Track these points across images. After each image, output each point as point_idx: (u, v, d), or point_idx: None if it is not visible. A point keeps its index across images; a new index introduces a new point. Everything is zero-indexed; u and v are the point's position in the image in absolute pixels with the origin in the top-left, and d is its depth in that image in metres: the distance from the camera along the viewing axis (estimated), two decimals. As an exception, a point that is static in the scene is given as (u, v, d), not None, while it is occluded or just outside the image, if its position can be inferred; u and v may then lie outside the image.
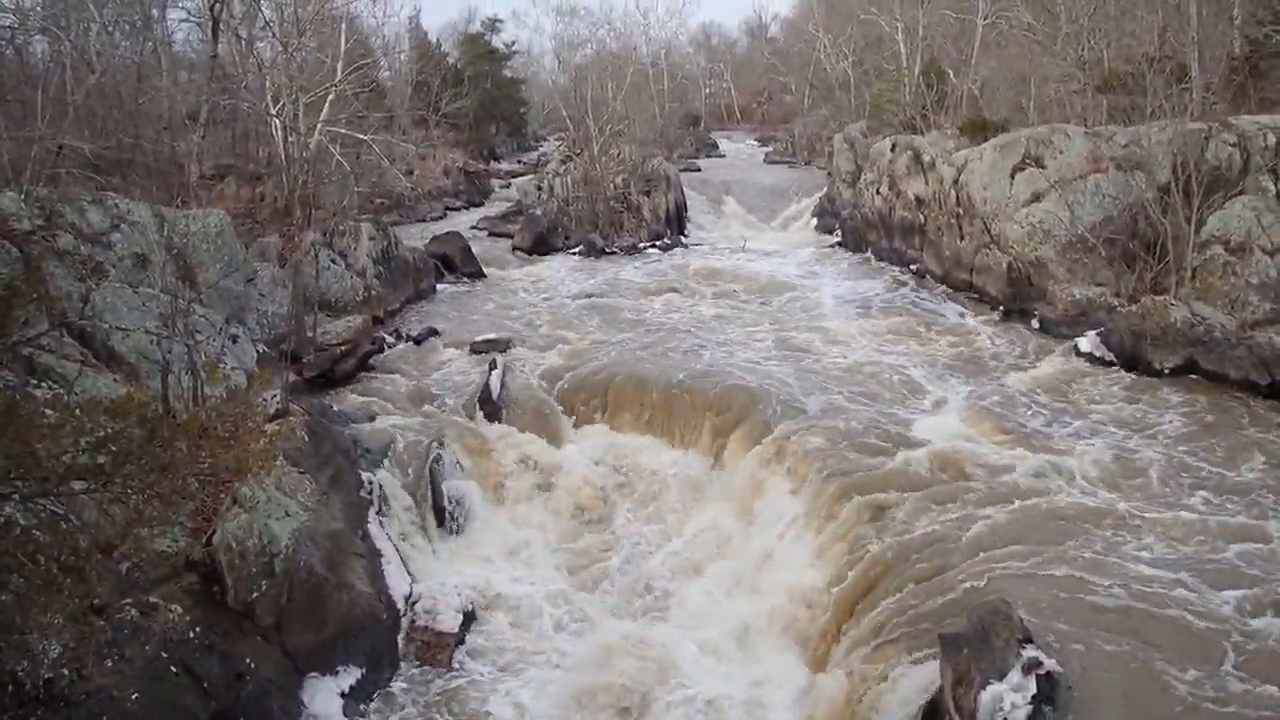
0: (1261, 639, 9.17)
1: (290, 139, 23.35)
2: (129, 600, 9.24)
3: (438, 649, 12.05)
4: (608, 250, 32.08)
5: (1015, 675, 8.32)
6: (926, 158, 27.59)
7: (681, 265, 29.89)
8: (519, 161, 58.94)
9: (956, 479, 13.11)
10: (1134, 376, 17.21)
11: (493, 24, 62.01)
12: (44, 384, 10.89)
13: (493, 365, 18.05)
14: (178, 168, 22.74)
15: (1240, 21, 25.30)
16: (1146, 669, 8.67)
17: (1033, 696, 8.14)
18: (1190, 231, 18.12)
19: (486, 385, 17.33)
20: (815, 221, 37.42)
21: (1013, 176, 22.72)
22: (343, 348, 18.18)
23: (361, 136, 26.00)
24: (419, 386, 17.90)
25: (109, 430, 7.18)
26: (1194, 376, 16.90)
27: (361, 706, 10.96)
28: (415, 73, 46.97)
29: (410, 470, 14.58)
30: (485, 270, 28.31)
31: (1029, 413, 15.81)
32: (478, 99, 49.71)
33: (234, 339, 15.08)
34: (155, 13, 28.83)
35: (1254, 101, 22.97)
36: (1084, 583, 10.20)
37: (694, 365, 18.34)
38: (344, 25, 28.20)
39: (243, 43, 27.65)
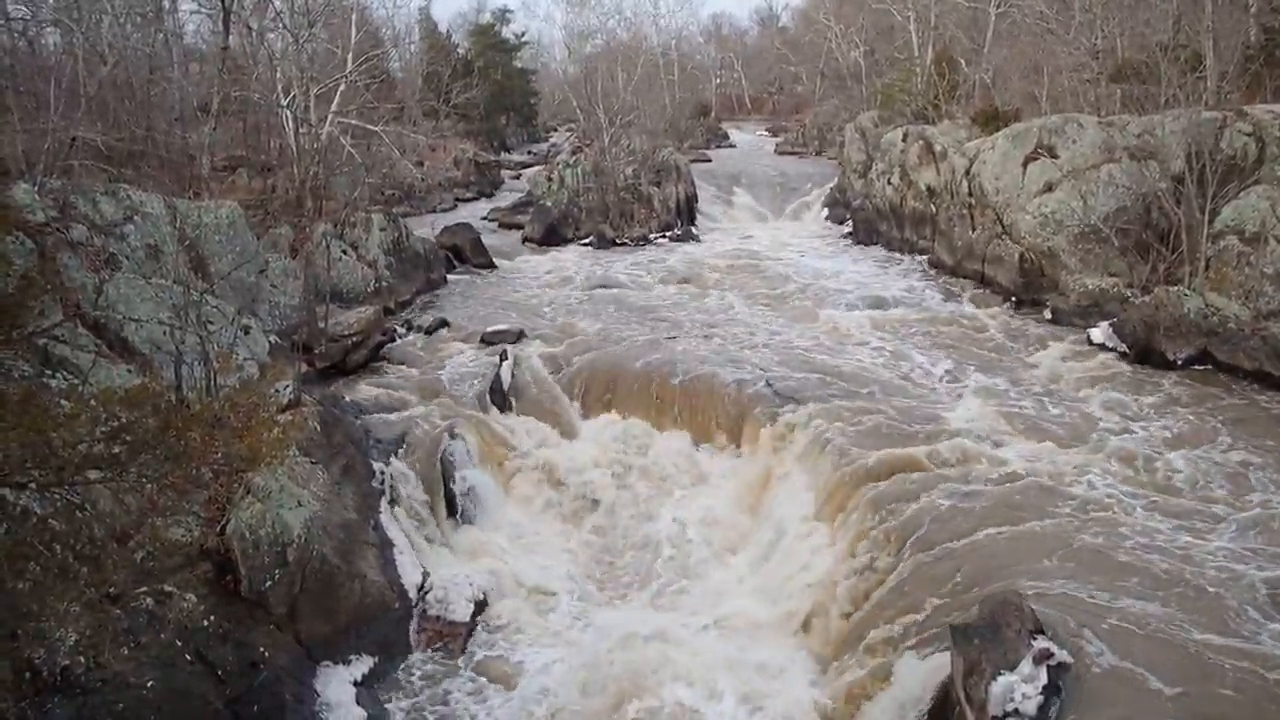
0: (1276, 629, 9.14)
1: (301, 130, 23.41)
2: (144, 589, 9.32)
3: (449, 638, 12.12)
4: (618, 241, 32.05)
5: (1026, 666, 8.31)
6: (938, 148, 27.47)
7: (692, 256, 29.84)
8: (529, 152, 58.97)
9: (968, 469, 13.08)
10: (1147, 367, 17.13)
11: (503, 14, 62.12)
12: (58, 374, 10.96)
13: (503, 356, 18.09)
14: (189, 159, 22.83)
15: (1256, 10, 25.09)
16: (1159, 660, 8.65)
17: (1044, 687, 8.14)
18: (1204, 221, 17.99)
19: (497, 376, 17.37)
20: (826, 212, 37.32)
21: (1025, 166, 22.61)
22: (354, 338, 18.22)
23: (372, 128, 26.02)
24: (430, 377, 17.94)
25: (123, 420, 7.22)
26: (1207, 367, 16.82)
27: (374, 694, 11.02)
28: (425, 64, 46.97)
29: (422, 460, 14.63)
30: (496, 261, 28.33)
31: (1041, 403, 15.75)
32: (488, 90, 49.70)
33: (246, 330, 15.13)
34: (166, 4, 28.91)
35: (1269, 90, 22.80)
36: (1095, 573, 10.17)
37: (705, 355, 18.32)
38: (354, 16, 28.24)
39: (253, 34, 27.71)
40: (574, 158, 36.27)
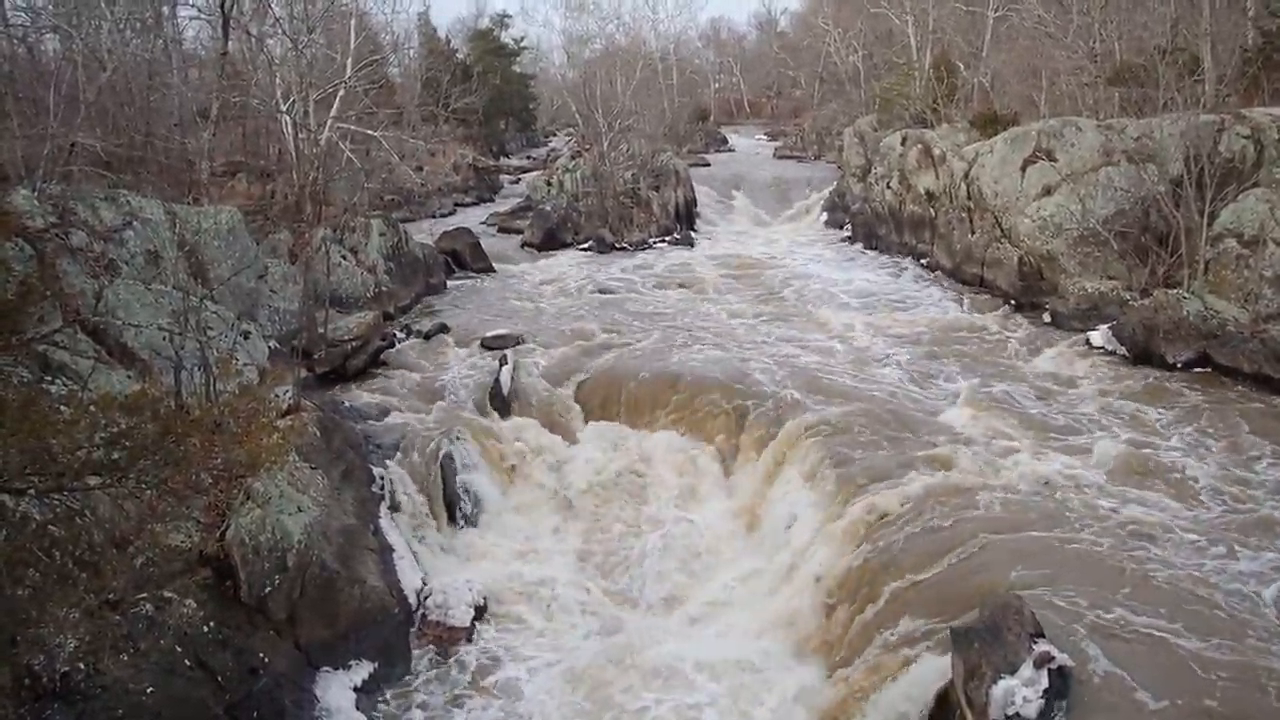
0: (1275, 632, 9.13)
1: (301, 136, 23.40)
2: (143, 595, 9.30)
3: (449, 642, 12.11)
4: (617, 246, 32.07)
5: (1027, 669, 8.30)
6: (937, 151, 27.50)
7: (691, 260, 29.87)
8: (528, 157, 58.98)
9: (967, 473, 13.07)
10: (1146, 370, 17.14)
11: (501, 20, 62.04)
12: (58, 380, 10.95)
13: (503, 361, 18.08)
14: (189, 165, 22.82)
15: (1253, 13, 25.16)
16: (1159, 663, 8.65)
17: (1044, 691, 8.13)
18: (1203, 224, 18.02)
19: (497, 381, 17.36)
20: (825, 216, 37.34)
21: (1024, 170, 22.65)
22: (354, 343, 18.22)
23: (371, 133, 26.01)
24: (430, 382, 17.94)
25: (123, 426, 7.21)
26: (1207, 370, 16.82)
27: (374, 700, 11.01)
28: (425, 69, 46.99)
29: (422, 465, 14.62)
30: (495, 266, 28.34)
31: (1040, 407, 15.76)
32: (487, 95, 49.66)
33: (246, 335, 15.12)
34: (166, 10, 28.92)
35: (1267, 93, 22.84)
36: (1095, 577, 10.16)
37: (705, 361, 18.33)
38: (353, 22, 28.22)
39: (253, 40, 27.71)
40: (573, 162, 36.31)
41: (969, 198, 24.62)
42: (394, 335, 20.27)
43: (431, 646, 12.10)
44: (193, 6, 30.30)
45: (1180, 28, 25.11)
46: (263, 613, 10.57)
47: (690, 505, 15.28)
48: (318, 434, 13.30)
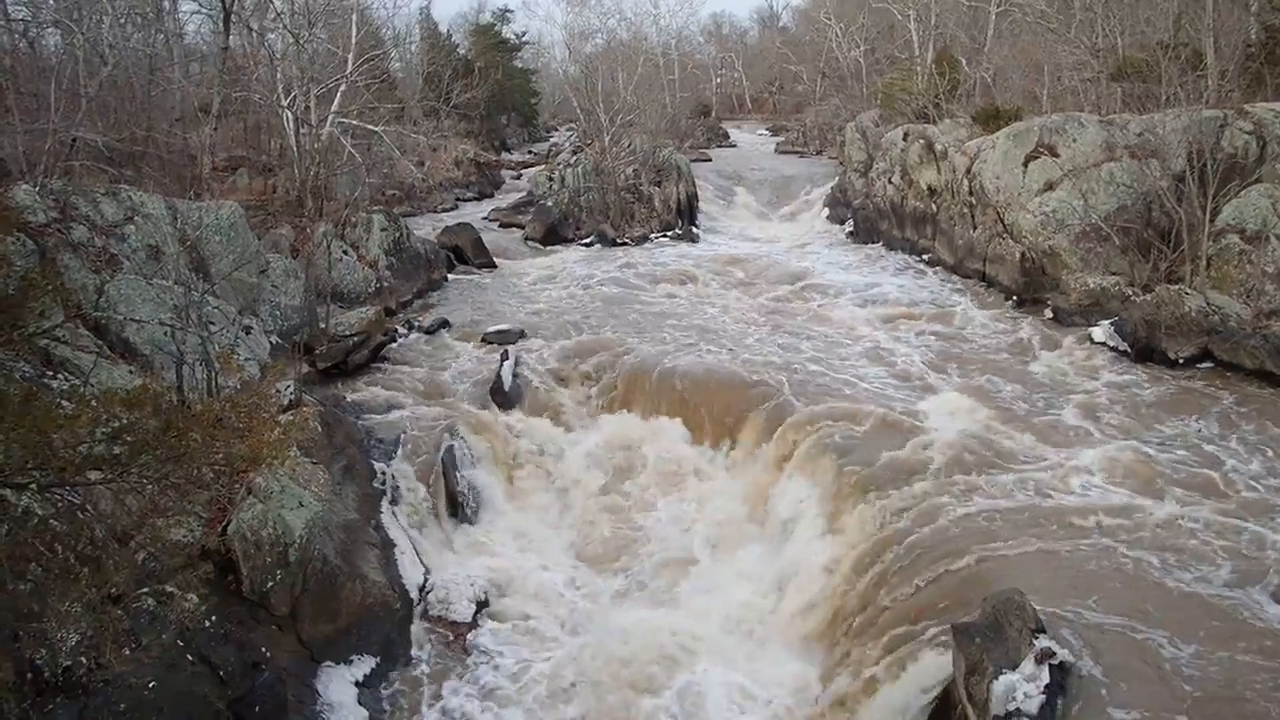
0: (1275, 626, 9.13)
1: (302, 131, 23.41)
2: (146, 589, 9.32)
3: (451, 638, 12.12)
4: (619, 241, 32.03)
5: (1028, 665, 8.32)
6: (939, 147, 27.45)
7: (692, 255, 29.83)
8: (530, 152, 58.91)
9: (968, 470, 13.07)
10: (1148, 366, 17.11)
11: (503, 14, 61.93)
12: (60, 375, 10.98)
13: (504, 355, 18.09)
14: (190, 160, 22.87)
15: (1256, 8, 25.10)
16: (1159, 659, 8.65)
17: (1045, 686, 8.15)
18: (1205, 220, 17.99)
19: (498, 375, 17.38)
20: (827, 211, 37.27)
21: (1026, 165, 22.60)
22: (355, 339, 18.23)
23: (373, 128, 26.02)
24: (431, 377, 17.95)
25: (125, 421, 7.23)
26: (1209, 366, 16.79)
27: (376, 695, 11.02)
28: (426, 64, 46.95)
29: (423, 460, 14.64)
30: (497, 261, 28.31)
31: (1042, 403, 15.74)
32: (489, 90, 49.62)
33: (247, 330, 15.15)
34: (167, 5, 28.95)
35: (1270, 89, 22.78)
36: (1096, 574, 10.17)
37: (706, 355, 18.33)
38: (355, 16, 28.20)
39: (254, 34, 27.74)
40: (575, 157, 36.24)
41: (971, 193, 24.59)
42: (395, 330, 20.28)
43: (433, 641, 12.11)
44: (194, 1, 30.36)
45: (1183, 23, 25.07)
46: (265, 607, 10.60)
47: (692, 501, 15.29)
48: (319, 429, 13.32)
